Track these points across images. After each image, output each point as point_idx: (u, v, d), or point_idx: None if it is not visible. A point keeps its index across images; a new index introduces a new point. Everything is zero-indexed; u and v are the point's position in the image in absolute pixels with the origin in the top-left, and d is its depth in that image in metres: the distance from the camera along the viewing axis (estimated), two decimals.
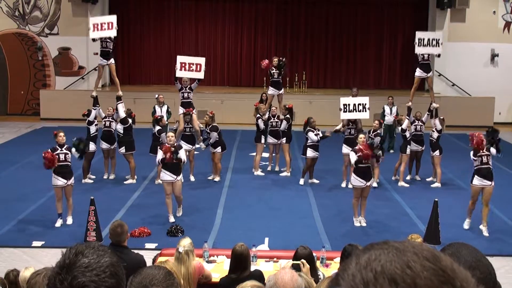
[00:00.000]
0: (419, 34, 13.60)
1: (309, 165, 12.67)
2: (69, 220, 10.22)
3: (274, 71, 14.05)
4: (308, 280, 4.63)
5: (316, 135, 12.43)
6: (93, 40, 13.80)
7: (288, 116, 13.52)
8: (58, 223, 10.10)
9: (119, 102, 12.98)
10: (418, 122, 13.18)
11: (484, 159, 9.98)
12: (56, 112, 20.00)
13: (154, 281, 2.04)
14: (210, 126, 12.82)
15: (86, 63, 21.22)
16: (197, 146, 13.40)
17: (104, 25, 13.40)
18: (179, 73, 13.11)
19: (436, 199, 9.61)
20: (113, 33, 13.43)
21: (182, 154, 10.37)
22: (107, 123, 13.01)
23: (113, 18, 13.44)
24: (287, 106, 13.79)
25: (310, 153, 12.53)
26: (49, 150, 9.86)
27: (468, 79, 20.92)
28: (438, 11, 20.93)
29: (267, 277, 4.24)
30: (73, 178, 10.19)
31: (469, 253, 1.78)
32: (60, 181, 10.00)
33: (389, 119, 15.64)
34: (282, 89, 14.58)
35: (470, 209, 10.22)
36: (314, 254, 5.75)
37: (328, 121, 16.82)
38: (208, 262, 7.03)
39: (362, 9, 22.37)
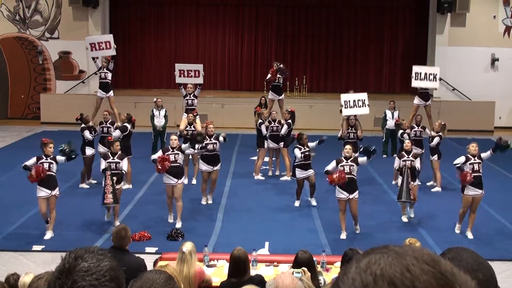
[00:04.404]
0: (416, 68, 13.57)
1: (300, 187, 11.58)
2: (48, 235, 9.64)
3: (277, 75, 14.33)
4: (309, 284, 4.63)
5: (302, 152, 11.22)
6: (93, 59, 13.83)
7: (289, 121, 13.50)
8: (47, 234, 9.65)
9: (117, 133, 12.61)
10: (418, 128, 13.14)
11: (476, 167, 9.76)
12: (57, 116, 19.98)
13: (154, 285, 2.03)
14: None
15: (87, 67, 21.21)
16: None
17: (102, 45, 13.39)
18: (178, 80, 13.19)
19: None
20: (112, 52, 13.47)
21: (187, 149, 10.86)
22: (105, 129, 12.96)
23: (109, 37, 13.45)
24: (289, 110, 13.79)
25: (298, 173, 11.41)
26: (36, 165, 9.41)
27: (469, 84, 20.91)
28: (438, 15, 20.93)
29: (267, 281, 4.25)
30: (57, 189, 9.67)
31: (471, 257, 1.78)
32: (43, 192, 9.50)
33: (391, 123, 15.63)
34: (283, 95, 14.58)
35: (461, 215, 10.07)
36: (314, 259, 5.75)
37: (328, 125, 16.86)
38: (208, 266, 7.04)
39: (362, 14, 22.39)
